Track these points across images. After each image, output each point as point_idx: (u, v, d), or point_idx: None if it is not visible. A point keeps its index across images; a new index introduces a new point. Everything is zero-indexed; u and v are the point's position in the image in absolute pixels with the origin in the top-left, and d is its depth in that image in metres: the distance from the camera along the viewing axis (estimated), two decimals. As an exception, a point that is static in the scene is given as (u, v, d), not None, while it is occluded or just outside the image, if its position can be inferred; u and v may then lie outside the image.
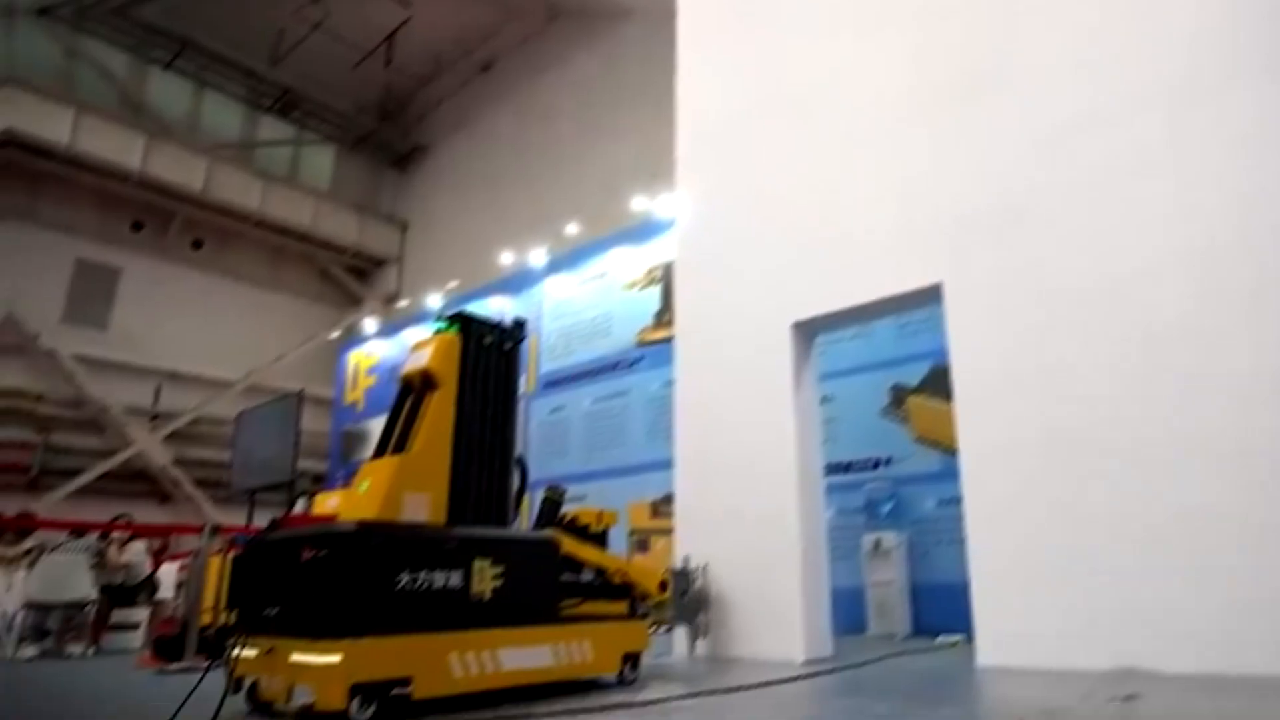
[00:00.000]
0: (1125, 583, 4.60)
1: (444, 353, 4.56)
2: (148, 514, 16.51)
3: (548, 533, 4.76)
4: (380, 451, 4.46)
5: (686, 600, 6.06)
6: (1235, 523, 4.32)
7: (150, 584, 9.46)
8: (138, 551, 9.19)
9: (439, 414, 4.42)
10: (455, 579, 3.92)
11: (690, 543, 6.74)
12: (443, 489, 4.29)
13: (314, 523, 4.37)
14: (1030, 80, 5.67)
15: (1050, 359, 5.18)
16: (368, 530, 3.69)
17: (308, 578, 3.61)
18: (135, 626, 9.30)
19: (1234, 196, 4.68)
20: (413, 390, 4.57)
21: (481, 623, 3.98)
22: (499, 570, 4.11)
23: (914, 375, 8.73)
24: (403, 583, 3.70)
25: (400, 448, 4.33)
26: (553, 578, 4.55)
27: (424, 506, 4.17)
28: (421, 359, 4.57)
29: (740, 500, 6.49)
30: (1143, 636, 4.47)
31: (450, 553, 3.95)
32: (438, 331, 4.72)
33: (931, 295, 5.91)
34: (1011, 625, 4.99)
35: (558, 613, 4.51)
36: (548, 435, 12.30)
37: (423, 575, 3.78)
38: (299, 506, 9.54)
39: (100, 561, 8.82)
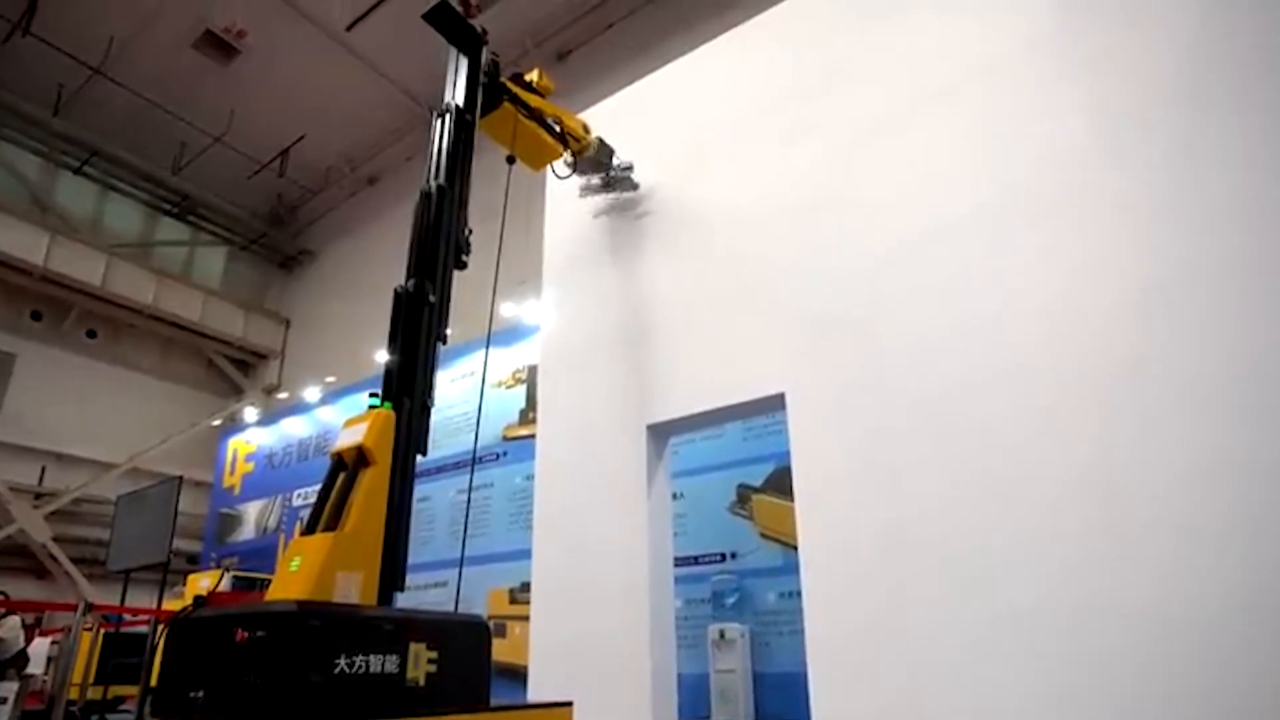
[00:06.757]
0: (953, 672, 4.80)
1: (381, 429, 4.49)
2: (24, 589, 16.19)
3: (480, 616, 4.65)
4: (311, 528, 4.30)
5: None
6: (1053, 617, 4.54)
7: (22, 658, 8.93)
8: (13, 627, 8.71)
9: (373, 491, 4.33)
10: (391, 664, 3.76)
11: (546, 627, 6.89)
12: (375, 568, 4.18)
13: (243, 601, 4.19)
14: (874, 198, 6.07)
15: (885, 462, 5.45)
16: (308, 611, 3.55)
17: (241, 659, 3.42)
18: (3, 700, 8.71)
19: (1044, 315, 5.06)
20: (345, 466, 4.44)
21: (416, 711, 3.82)
22: (434, 655, 3.97)
23: (758, 475, 9.20)
24: (340, 667, 3.54)
25: (332, 525, 4.19)
26: (484, 663, 4.41)
27: (355, 586, 4.03)
28: (357, 435, 4.46)
29: (595, 588, 6.66)
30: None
31: (387, 635, 3.81)
32: (372, 408, 4.64)
33: (776, 402, 6.22)
34: (846, 712, 5.14)
35: (488, 701, 4.36)
36: (414, 524, 12.27)
37: (359, 660, 3.63)
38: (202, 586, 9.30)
39: (-26, 637, 8.34)
